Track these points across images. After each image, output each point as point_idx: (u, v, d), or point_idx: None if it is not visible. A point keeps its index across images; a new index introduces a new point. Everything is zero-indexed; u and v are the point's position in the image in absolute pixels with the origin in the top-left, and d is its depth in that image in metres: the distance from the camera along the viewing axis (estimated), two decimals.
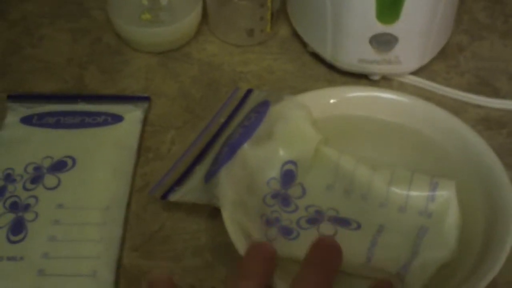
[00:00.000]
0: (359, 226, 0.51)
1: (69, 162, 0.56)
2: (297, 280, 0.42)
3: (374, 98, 0.58)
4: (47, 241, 0.51)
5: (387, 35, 0.60)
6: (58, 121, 0.59)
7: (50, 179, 0.55)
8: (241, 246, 0.47)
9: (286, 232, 0.51)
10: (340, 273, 0.44)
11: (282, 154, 0.54)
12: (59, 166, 0.56)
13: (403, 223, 0.51)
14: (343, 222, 0.51)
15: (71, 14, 0.72)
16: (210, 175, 0.52)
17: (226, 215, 0.49)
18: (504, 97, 0.63)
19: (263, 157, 0.54)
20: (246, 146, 0.53)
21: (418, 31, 0.60)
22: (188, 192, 0.53)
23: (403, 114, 0.57)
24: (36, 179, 0.55)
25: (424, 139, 0.56)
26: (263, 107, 0.56)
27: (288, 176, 0.54)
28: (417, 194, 0.52)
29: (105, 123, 0.59)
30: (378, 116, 0.57)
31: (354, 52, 0.62)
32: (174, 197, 0.53)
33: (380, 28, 0.59)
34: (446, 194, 0.51)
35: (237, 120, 0.57)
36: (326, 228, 0.51)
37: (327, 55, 0.64)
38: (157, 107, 0.63)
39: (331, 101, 0.58)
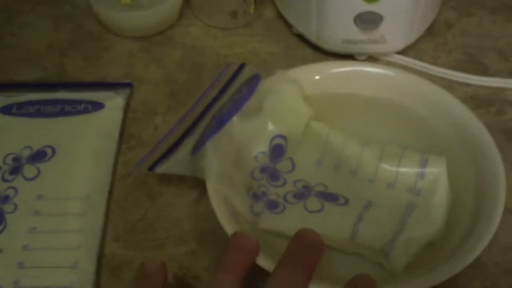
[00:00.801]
0: (346, 202, 0.51)
1: (49, 151, 0.55)
2: (275, 278, 0.41)
3: (368, 74, 0.57)
4: (27, 232, 0.50)
5: (372, 14, 0.58)
6: (38, 110, 0.58)
7: (29, 170, 0.54)
8: (224, 219, 0.47)
9: (273, 206, 0.50)
10: (326, 249, 0.44)
11: (272, 128, 0.54)
12: (39, 156, 0.55)
13: (391, 199, 0.50)
14: (330, 197, 0.51)
15: (53, 1, 0.71)
16: (197, 147, 0.52)
17: (210, 187, 0.49)
18: (492, 74, 0.62)
19: (252, 131, 0.53)
20: (235, 119, 0.52)
21: (403, 9, 0.59)
22: (175, 164, 0.53)
23: (394, 89, 0.56)
24: (15, 170, 0.54)
25: (413, 114, 0.55)
26: (253, 81, 0.55)
27: (277, 151, 0.54)
28: (407, 170, 0.51)
29: (85, 110, 0.58)
30: (366, 92, 0.57)
31: (339, 32, 0.60)
32: (160, 168, 0.53)
33: (364, 6, 0.58)
34: (436, 171, 0.50)
35: (229, 94, 0.56)
36: (313, 203, 0.50)
37: (311, 36, 0.63)
38: (140, 93, 0.62)
39: (321, 76, 0.57)
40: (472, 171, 0.51)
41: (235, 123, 0.53)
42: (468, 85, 0.61)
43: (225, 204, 0.48)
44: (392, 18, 0.59)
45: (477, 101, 0.60)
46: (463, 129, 0.53)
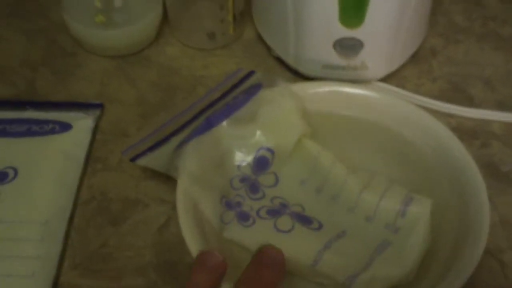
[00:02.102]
0: (320, 227, 0.49)
1: (11, 173, 0.53)
2: None
3: (375, 99, 0.54)
4: None
5: (352, 40, 0.56)
6: (3, 130, 0.56)
7: None
8: (186, 221, 0.46)
9: (243, 217, 0.49)
10: (290, 275, 0.43)
11: (260, 139, 0.52)
12: (0, 177, 0.53)
13: (366, 232, 0.48)
14: (305, 219, 0.49)
15: (28, 15, 0.69)
16: (180, 146, 0.50)
17: (180, 186, 0.48)
18: (478, 105, 0.59)
19: (239, 139, 0.52)
20: (224, 124, 0.51)
21: (385, 35, 0.57)
22: (156, 159, 0.51)
23: (396, 117, 0.54)
24: None
25: (411, 145, 0.53)
26: (254, 89, 0.54)
27: (261, 163, 0.52)
28: (388, 205, 0.49)
29: (52, 131, 0.56)
30: (369, 117, 0.54)
31: (318, 57, 0.58)
32: (141, 161, 0.52)
33: (344, 32, 0.56)
34: (417, 211, 0.48)
35: (229, 98, 0.55)
36: (284, 222, 0.49)
37: (290, 60, 0.61)
38: (110, 113, 0.60)
39: (325, 95, 0.55)
40: (456, 206, 0.48)
41: (224, 127, 0.51)
42: (452, 115, 0.59)
43: (192, 207, 0.47)
44: (373, 44, 0.57)
45: (461, 133, 0.57)
46: (452, 161, 0.50)
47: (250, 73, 0.57)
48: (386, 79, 0.61)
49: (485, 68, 0.63)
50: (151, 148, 0.52)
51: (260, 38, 0.65)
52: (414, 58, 0.63)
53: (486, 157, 0.56)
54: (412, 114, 0.52)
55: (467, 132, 0.58)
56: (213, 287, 0.41)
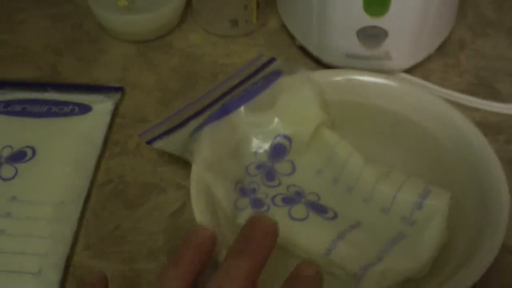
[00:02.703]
0: (335, 216, 0.48)
1: (29, 152, 0.53)
2: (219, 267, 0.37)
3: (390, 87, 0.53)
4: None
5: (376, 29, 0.55)
6: (24, 110, 0.57)
7: (7, 169, 0.52)
8: (198, 206, 0.45)
9: (258, 204, 0.48)
10: (298, 260, 0.42)
11: (278, 126, 0.52)
12: (18, 156, 0.53)
13: (381, 224, 0.47)
14: (320, 208, 0.48)
15: (54, 0, 0.69)
16: (196, 130, 0.50)
17: (194, 171, 0.47)
18: (504, 100, 0.58)
19: (257, 125, 0.51)
20: (242, 110, 0.51)
21: (410, 25, 0.56)
22: (172, 142, 0.51)
23: (416, 108, 0.52)
24: None
25: (428, 135, 0.52)
26: (273, 76, 0.53)
27: (278, 150, 0.52)
28: (405, 197, 0.47)
29: (71, 113, 0.56)
30: (390, 106, 0.53)
31: (341, 46, 0.57)
32: (157, 144, 0.51)
33: (367, 20, 0.55)
34: (435, 204, 0.47)
35: (248, 84, 0.55)
36: (299, 210, 0.48)
37: (313, 48, 0.60)
38: (131, 98, 0.60)
39: (346, 83, 0.54)
40: (475, 202, 0.47)
41: (241, 114, 0.51)
42: (477, 110, 0.57)
43: (206, 192, 0.46)
44: (397, 34, 0.56)
45: (485, 128, 0.56)
46: (473, 156, 0.49)
47: (271, 60, 0.56)
48: (410, 70, 0.60)
49: None
50: (168, 132, 0.52)
51: (283, 27, 0.64)
52: (441, 50, 0.61)
53: (510, 153, 0.54)
54: (434, 106, 0.51)
55: (492, 127, 0.56)
56: (197, 263, 0.39)
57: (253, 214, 0.40)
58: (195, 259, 0.39)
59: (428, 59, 0.60)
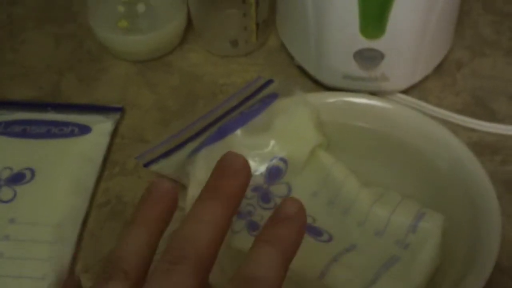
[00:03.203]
0: (330, 239, 0.48)
1: (28, 174, 0.54)
2: (189, 212, 0.35)
3: (386, 110, 0.53)
4: None
5: (372, 51, 0.56)
6: (24, 130, 0.57)
7: (6, 192, 0.53)
8: None
9: (253, 227, 0.49)
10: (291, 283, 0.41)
11: (274, 149, 0.52)
12: (17, 178, 0.54)
13: (376, 247, 0.47)
14: (315, 231, 0.48)
15: (57, 19, 0.70)
16: (192, 153, 0.51)
17: (190, 194, 0.47)
18: (501, 120, 0.58)
19: (253, 148, 0.51)
20: (238, 132, 0.51)
21: (407, 47, 0.56)
22: (169, 165, 0.52)
23: (412, 132, 0.52)
24: None
25: (424, 158, 0.52)
26: (270, 98, 0.53)
27: (274, 172, 0.52)
28: (399, 220, 0.48)
29: (71, 134, 0.57)
30: (385, 130, 0.53)
31: (338, 67, 0.58)
32: (154, 167, 0.52)
33: (364, 43, 0.55)
34: (429, 226, 0.47)
35: (246, 106, 0.55)
36: None
37: (310, 69, 0.60)
38: (130, 118, 0.60)
39: (342, 106, 0.54)
40: (469, 224, 0.47)
41: (238, 136, 0.51)
42: (473, 130, 0.58)
43: None
44: (394, 56, 0.56)
45: (481, 147, 0.56)
46: (467, 178, 0.49)
47: (268, 82, 0.57)
48: (408, 91, 0.60)
49: (510, 83, 0.61)
50: (165, 155, 0.52)
51: (283, 47, 0.64)
52: (438, 70, 0.62)
53: (506, 174, 0.54)
54: (428, 127, 0.51)
55: (488, 148, 0.56)
56: (162, 217, 0.37)
57: (224, 153, 0.38)
58: (157, 212, 0.37)
59: (425, 79, 0.61)
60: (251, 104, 0.54)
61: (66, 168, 0.55)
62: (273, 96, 0.53)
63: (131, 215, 0.37)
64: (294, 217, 0.36)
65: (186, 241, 0.34)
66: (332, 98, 0.54)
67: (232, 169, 0.37)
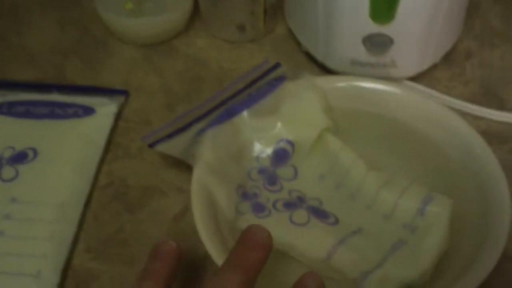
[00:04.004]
0: (336, 222, 0.48)
1: (30, 153, 0.53)
2: (212, 278, 0.39)
3: (394, 95, 0.53)
4: None
5: (382, 36, 0.55)
6: (27, 111, 0.57)
7: (8, 171, 0.52)
8: (199, 209, 0.45)
9: (259, 209, 0.48)
10: (298, 264, 0.42)
11: (281, 131, 0.52)
12: (20, 157, 0.53)
13: (383, 231, 0.47)
14: (321, 214, 0.48)
15: (62, 3, 0.69)
16: (199, 134, 0.50)
17: (196, 174, 0.47)
18: (509, 109, 0.57)
19: (260, 130, 0.51)
20: (245, 114, 0.51)
21: (416, 33, 0.55)
22: (175, 146, 0.51)
23: (420, 117, 0.52)
24: None
25: (433, 144, 0.51)
26: (277, 81, 0.53)
27: (280, 155, 0.52)
28: (407, 204, 0.47)
29: (75, 115, 0.56)
30: (391, 114, 0.53)
31: (347, 53, 0.57)
32: (159, 148, 0.51)
33: (374, 28, 0.55)
34: (437, 211, 0.46)
35: (253, 89, 0.55)
36: (300, 216, 0.48)
37: (318, 54, 0.60)
38: (135, 102, 0.60)
39: (350, 90, 0.54)
40: (478, 211, 0.47)
41: (244, 118, 0.51)
42: (482, 118, 0.57)
43: (207, 196, 0.46)
44: (403, 42, 0.55)
45: (489, 136, 0.55)
46: (477, 164, 0.48)
47: (276, 66, 0.56)
48: (416, 78, 0.59)
49: None
50: (171, 135, 0.51)
51: (290, 34, 0.64)
52: (447, 59, 0.61)
53: None
54: (437, 113, 0.51)
55: (496, 136, 0.56)
56: (166, 274, 0.42)
57: (249, 225, 0.40)
58: (165, 271, 0.42)
59: (434, 68, 0.60)
60: (258, 86, 0.54)
61: (69, 149, 0.54)
62: (281, 79, 0.53)
63: (141, 271, 0.42)
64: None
65: None
66: (341, 82, 0.54)
67: (255, 241, 0.40)
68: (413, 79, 0.59)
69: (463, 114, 0.57)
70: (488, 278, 0.41)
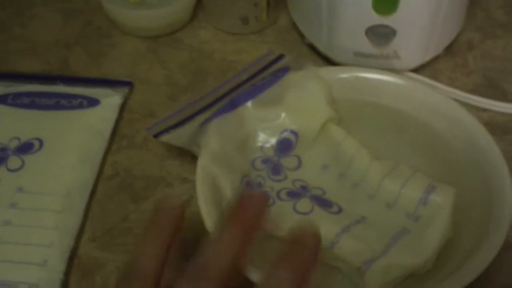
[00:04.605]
0: (339, 211, 0.48)
1: (36, 144, 0.54)
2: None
3: (397, 85, 0.53)
4: (1, 225, 0.49)
5: (384, 27, 0.55)
6: (32, 102, 0.57)
7: (14, 161, 0.53)
8: (204, 197, 0.45)
9: None
10: None
11: (285, 121, 0.52)
12: (25, 147, 0.53)
13: (386, 219, 0.47)
14: (324, 203, 0.49)
15: None
16: (203, 123, 0.50)
17: (201, 163, 0.47)
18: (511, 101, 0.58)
19: (264, 120, 0.52)
20: (249, 104, 0.51)
21: (419, 24, 0.56)
22: (179, 136, 0.51)
23: (422, 107, 0.52)
24: (0, 160, 0.52)
25: (436, 135, 0.52)
26: (281, 72, 0.53)
27: (284, 145, 0.52)
28: (410, 193, 0.48)
29: (80, 106, 0.57)
30: (394, 104, 0.53)
31: (350, 44, 0.57)
32: (164, 138, 0.51)
33: (376, 19, 0.55)
34: (440, 200, 0.47)
35: (256, 80, 0.55)
36: (304, 204, 0.48)
37: (322, 46, 0.60)
38: (139, 93, 0.60)
39: (353, 81, 0.54)
40: (480, 201, 0.47)
41: (249, 108, 0.51)
42: (484, 110, 0.57)
43: (211, 185, 0.47)
44: (406, 33, 0.56)
45: (492, 127, 0.55)
46: (480, 154, 0.49)
47: (280, 57, 0.57)
48: (419, 70, 0.60)
49: None
50: (175, 126, 0.52)
51: (293, 25, 0.64)
52: (449, 51, 0.61)
53: None
54: (440, 104, 0.51)
55: (499, 127, 0.56)
56: (167, 238, 0.40)
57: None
58: (167, 234, 0.40)
59: (436, 59, 0.60)
60: (262, 77, 0.54)
61: (74, 139, 0.54)
62: (285, 70, 0.53)
63: (144, 227, 0.40)
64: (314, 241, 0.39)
65: (209, 257, 0.37)
66: (344, 73, 0.54)
67: (251, 199, 0.39)
68: (416, 70, 0.60)
69: (466, 105, 0.57)
70: (489, 267, 0.42)
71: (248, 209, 0.38)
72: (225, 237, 0.37)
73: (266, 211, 0.39)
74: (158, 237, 0.40)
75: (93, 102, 0.57)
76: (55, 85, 0.59)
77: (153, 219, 0.41)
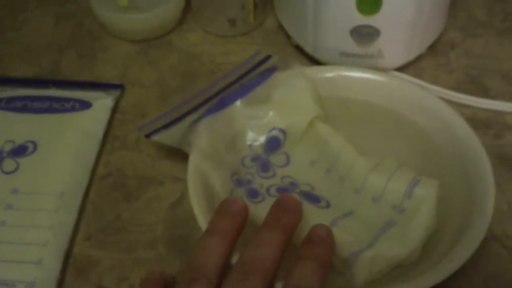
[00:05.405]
0: (328, 206, 0.49)
1: (30, 146, 0.55)
2: (253, 239, 0.41)
3: (382, 83, 0.55)
4: None
5: (368, 27, 0.57)
6: (25, 106, 0.58)
7: (8, 163, 0.54)
8: (195, 195, 0.47)
9: (253, 194, 0.50)
10: (292, 246, 0.43)
11: (273, 120, 0.53)
12: (20, 150, 0.55)
13: (373, 213, 0.49)
14: (313, 198, 0.50)
15: None
16: (194, 123, 0.52)
17: (192, 162, 0.49)
18: (493, 97, 0.59)
19: (252, 118, 0.53)
20: (238, 103, 0.53)
21: (402, 24, 0.57)
22: (170, 135, 0.53)
23: (407, 103, 0.54)
24: None
25: (420, 130, 0.54)
26: (268, 71, 0.55)
27: (273, 143, 0.53)
28: (395, 187, 0.49)
29: (72, 109, 0.58)
30: (381, 102, 0.55)
31: (335, 44, 0.59)
32: (155, 137, 0.53)
33: (360, 19, 0.56)
34: (424, 192, 0.48)
35: (245, 80, 0.56)
36: None
37: (308, 47, 0.61)
38: (131, 95, 0.61)
39: (338, 79, 0.56)
40: (464, 193, 0.49)
41: (238, 107, 0.53)
42: (467, 106, 0.59)
43: (203, 182, 0.48)
44: (390, 32, 0.57)
45: (475, 123, 0.57)
46: (462, 148, 0.51)
47: (267, 58, 0.58)
48: (403, 69, 0.61)
49: (503, 62, 0.63)
50: (166, 126, 0.53)
51: (280, 27, 0.66)
52: (432, 50, 0.63)
53: (498, 147, 0.56)
54: (423, 100, 0.53)
55: (481, 123, 0.58)
56: (233, 231, 0.42)
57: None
58: (232, 228, 0.42)
59: (420, 58, 0.62)
60: (251, 77, 0.56)
61: (67, 141, 0.56)
62: (272, 70, 0.55)
63: (208, 224, 0.43)
64: (326, 238, 0.43)
65: (255, 258, 0.40)
66: (329, 72, 0.55)
67: (289, 206, 0.44)
68: (401, 69, 0.61)
69: (449, 102, 0.58)
70: (475, 258, 0.43)
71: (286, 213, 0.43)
72: (269, 238, 0.41)
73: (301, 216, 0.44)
74: (222, 236, 0.42)
75: (85, 105, 0.58)
76: (47, 89, 0.60)
77: (216, 222, 0.43)
